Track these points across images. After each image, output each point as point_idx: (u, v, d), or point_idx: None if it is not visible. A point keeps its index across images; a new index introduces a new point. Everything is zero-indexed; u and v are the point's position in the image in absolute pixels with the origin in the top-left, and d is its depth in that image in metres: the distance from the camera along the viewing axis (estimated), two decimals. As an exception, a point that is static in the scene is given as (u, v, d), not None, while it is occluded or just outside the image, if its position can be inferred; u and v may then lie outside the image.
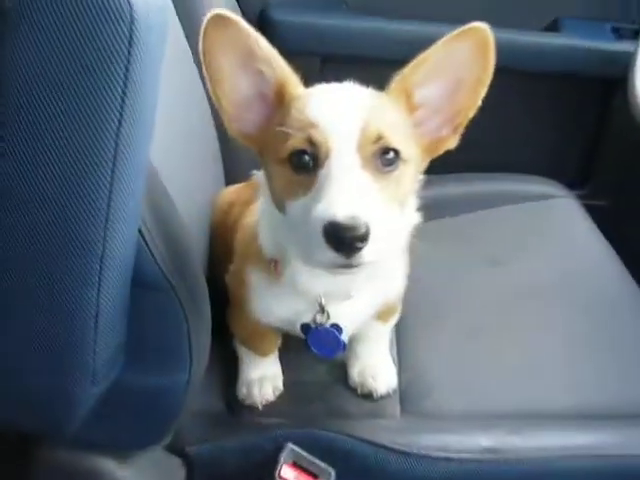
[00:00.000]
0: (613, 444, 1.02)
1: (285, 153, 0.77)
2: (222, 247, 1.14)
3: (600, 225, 1.57)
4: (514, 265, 1.39)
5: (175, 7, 1.24)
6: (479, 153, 1.77)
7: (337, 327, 0.98)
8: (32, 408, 0.84)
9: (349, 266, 0.73)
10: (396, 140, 0.78)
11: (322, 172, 0.75)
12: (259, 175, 0.90)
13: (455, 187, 1.62)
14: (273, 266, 0.92)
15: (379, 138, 0.76)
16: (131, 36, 0.59)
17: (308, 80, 1.67)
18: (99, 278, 0.69)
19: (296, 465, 0.96)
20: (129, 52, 0.60)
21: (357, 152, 0.75)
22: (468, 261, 1.41)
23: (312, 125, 0.76)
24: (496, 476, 0.96)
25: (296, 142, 0.76)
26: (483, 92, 0.82)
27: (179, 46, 1.23)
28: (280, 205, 0.82)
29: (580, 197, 1.80)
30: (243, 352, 1.14)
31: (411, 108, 0.84)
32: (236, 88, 0.82)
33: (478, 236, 1.49)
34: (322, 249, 0.72)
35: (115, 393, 0.85)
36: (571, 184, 1.81)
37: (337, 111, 0.77)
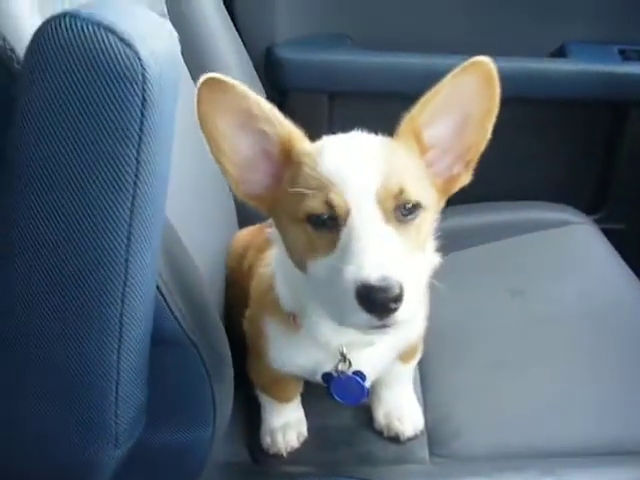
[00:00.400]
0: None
1: (302, 214, 0.76)
2: (239, 291, 1.13)
3: (619, 248, 1.54)
4: (534, 294, 1.37)
5: (183, 55, 1.24)
6: (493, 184, 1.76)
7: (360, 374, 0.96)
8: (53, 472, 0.82)
9: (383, 327, 0.72)
10: (416, 191, 0.77)
11: (345, 230, 0.74)
12: (272, 232, 0.89)
13: (470, 218, 1.60)
14: (292, 319, 0.91)
15: (400, 192, 0.75)
16: (144, 97, 0.59)
17: (317, 117, 1.69)
18: (119, 339, 0.68)
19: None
20: (142, 113, 0.59)
21: (378, 207, 0.74)
22: (488, 293, 1.39)
23: (329, 184, 0.74)
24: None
25: (314, 204, 0.74)
26: (491, 126, 0.82)
27: (188, 94, 1.22)
28: (300, 264, 0.80)
29: (597, 221, 1.78)
30: (265, 400, 1.12)
31: (422, 150, 0.83)
32: (237, 149, 0.80)
33: (496, 267, 1.47)
34: (355, 311, 0.70)
35: (139, 452, 0.83)
36: (588, 209, 1.80)
37: (353, 167, 0.75)
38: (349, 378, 0.95)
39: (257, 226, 1.25)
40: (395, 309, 0.70)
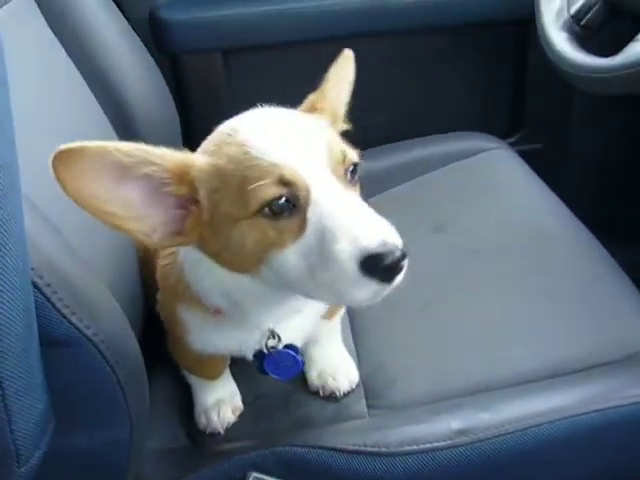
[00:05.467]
0: (593, 397, 0.97)
1: (255, 206, 0.69)
2: (152, 270, 1.07)
3: (540, 168, 1.53)
4: (457, 228, 1.35)
5: (59, 37, 1.16)
6: (403, 122, 1.74)
7: (292, 347, 0.93)
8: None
9: (386, 290, 0.69)
10: (350, 152, 0.75)
11: (311, 208, 0.69)
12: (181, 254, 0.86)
13: (388, 158, 1.56)
14: (212, 310, 0.86)
15: (344, 157, 0.73)
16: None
17: (213, 77, 1.62)
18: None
19: (265, 493, 0.91)
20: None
21: (333, 175, 0.70)
22: (410, 233, 1.33)
23: (275, 167, 0.68)
24: (473, 459, 0.91)
25: (267, 191, 0.68)
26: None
27: (64, 71, 1.14)
28: (248, 265, 0.74)
29: (515, 144, 1.77)
30: (193, 380, 1.08)
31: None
32: (128, 205, 0.71)
33: (416, 205, 1.45)
34: (362, 286, 0.67)
35: (55, 460, 0.77)
36: (504, 134, 1.79)
37: (295, 142, 0.71)
38: (281, 353, 0.92)
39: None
40: (403, 267, 0.68)
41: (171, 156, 0.72)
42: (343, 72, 0.89)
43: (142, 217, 0.72)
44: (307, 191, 0.69)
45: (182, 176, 0.72)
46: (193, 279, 0.86)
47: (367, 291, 0.68)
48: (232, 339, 0.93)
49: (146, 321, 1.10)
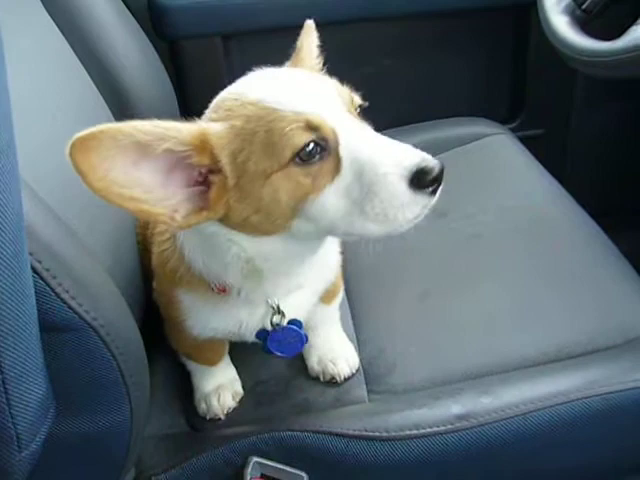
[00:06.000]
0: (594, 382, 0.97)
1: (287, 156, 0.70)
2: (149, 260, 1.07)
3: (542, 153, 1.53)
4: (457, 213, 1.35)
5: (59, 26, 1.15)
6: (405, 107, 1.72)
7: (295, 322, 0.93)
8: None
9: (432, 203, 0.74)
10: (354, 94, 0.79)
11: (342, 147, 0.72)
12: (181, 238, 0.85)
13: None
14: (215, 288, 0.86)
15: (352, 98, 0.77)
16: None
17: (214, 62, 1.61)
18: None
19: (266, 477, 0.91)
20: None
21: (352, 116, 0.75)
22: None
23: (298, 116, 0.70)
24: (474, 443, 0.92)
25: (297, 139, 0.70)
26: None
27: (62, 54, 1.14)
28: (283, 220, 0.75)
29: (517, 129, 1.76)
30: (192, 366, 1.08)
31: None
32: (150, 186, 0.70)
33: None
34: (412, 204, 0.71)
35: (56, 446, 0.77)
36: (505, 119, 1.78)
37: (311, 90, 0.74)
38: (286, 329, 0.93)
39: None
40: (443, 178, 0.72)
41: (187, 128, 0.72)
42: (311, 40, 0.91)
43: (165, 197, 0.71)
44: (334, 133, 0.71)
45: (202, 145, 0.72)
46: (200, 260, 0.84)
47: (416, 208, 0.71)
48: (233, 319, 0.92)
49: (145, 307, 1.10)
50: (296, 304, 0.93)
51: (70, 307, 0.70)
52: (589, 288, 1.14)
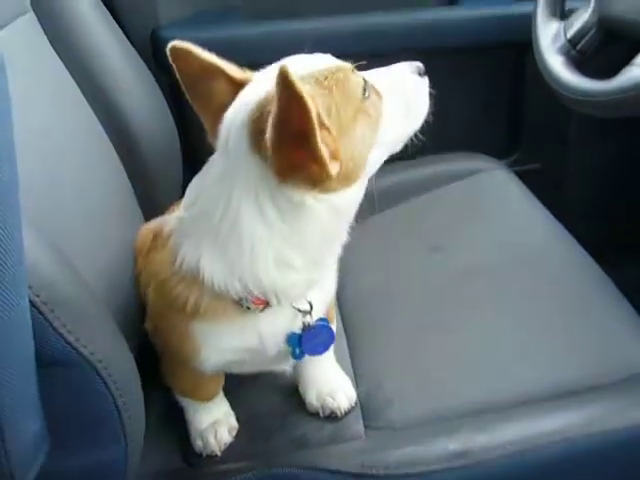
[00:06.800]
0: (592, 419, 0.97)
1: (360, 93, 0.83)
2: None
3: (539, 188, 1.54)
4: (454, 248, 1.35)
5: (58, 52, 1.17)
6: (408, 141, 1.73)
7: (322, 319, 0.95)
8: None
9: None
10: None
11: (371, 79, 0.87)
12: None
13: (386, 179, 1.56)
14: (251, 301, 0.84)
15: None
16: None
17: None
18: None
19: (262, 514, 0.90)
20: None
21: None
22: (408, 253, 1.37)
23: (348, 66, 0.85)
24: (472, 482, 0.91)
25: (358, 78, 0.84)
26: None
27: (70, 95, 1.15)
28: (369, 150, 0.84)
29: (514, 164, 1.78)
30: (187, 402, 1.06)
31: None
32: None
33: (414, 225, 1.45)
34: (424, 83, 0.95)
35: (50, 480, 0.77)
36: (502, 154, 1.79)
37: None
38: (318, 327, 0.93)
39: (161, 219, 1.18)
40: None
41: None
42: None
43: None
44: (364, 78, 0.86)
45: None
46: (237, 270, 0.81)
47: (426, 87, 0.95)
48: (253, 336, 0.89)
49: (141, 340, 1.09)
50: (318, 301, 0.93)
51: (67, 342, 0.70)
52: (587, 324, 1.14)
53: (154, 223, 1.19)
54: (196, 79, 0.88)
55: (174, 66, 0.86)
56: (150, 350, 1.04)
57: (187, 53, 0.86)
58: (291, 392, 1.09)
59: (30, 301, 0.65)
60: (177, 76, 0.88)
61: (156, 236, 1.05)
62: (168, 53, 0.86)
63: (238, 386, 1.09)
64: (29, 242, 0.65)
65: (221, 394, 1.09)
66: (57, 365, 0.71)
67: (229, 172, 0.80)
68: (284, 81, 0.67)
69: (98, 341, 0.74)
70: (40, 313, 0.67)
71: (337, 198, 0.80)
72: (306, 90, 0.68)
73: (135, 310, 1.09)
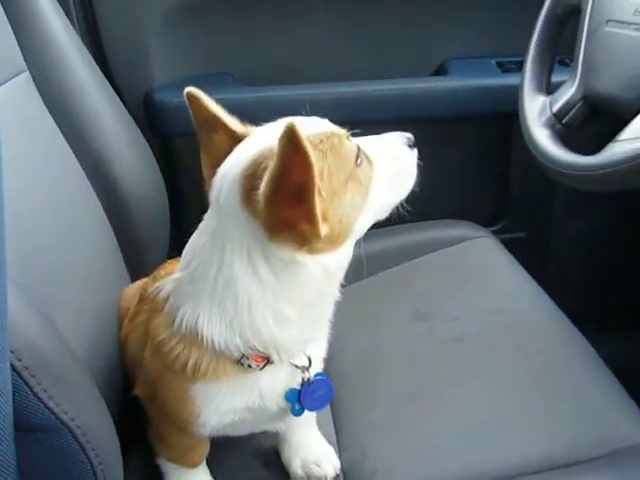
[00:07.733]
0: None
1: (352, 160, 0.85)
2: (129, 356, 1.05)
3: (524, 256, 1.55)
4: (439, 316, 1.35)
5: (51, 111, 1.18)
6: (395, 208, 1.75)
7: (320, 374, 0.95)
8: None
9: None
10: None
11: (367, 150, 0.89)
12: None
13: (372, 245, 1.55)
14: (254, 359, 0.84)
15: None
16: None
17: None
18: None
19: None
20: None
21: None
22: (393, 320, 1.36)
23: (344, 133, 0.87)
24: None
25: (352, 145, 0.86)
26: None
27: (59, 151, 1.16)
28: (357, 215, 0.85)
29: (499, 232, 1.80)
30: (171, 469, 1.04)
31: None
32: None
33: (399, 292, 1.45)
34: (413, 155, 0.97)
35: None
36: (488, 222, 1.81)
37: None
38: (317, 382, 0.93)
39: (144, 280, 1.17)
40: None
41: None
42: None
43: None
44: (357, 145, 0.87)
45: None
46: (237, 328, 0.81)
47: (414, 158, 0.96)
48: (253, 394, 0.88)
49: (122, 404, 1.08)
50: (313, 357, 0.93)
51: (47, 407, 0.69)
52: (570, 396, 1.13)
53: (138, 284, 1.19)
54: (202, 127, 0.91)
55: (190, 110, 0.91)
56: (132, 412, 1.02)
57: (197, 100, 0.90)
58: (273, 458, 1.07)
59: (11, 365, 0.65)
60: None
61: (142, 298, 1.05)
62: (185, 97, 0.90)
63: (219, 452, 1.07)
64: (13, 306, 0.64)
65: (204, 461, 1.06)
66: (36, 430, 0.70)
67: (221, 228, 0.81)
68: (290, 136, 0.68)
69: (78, 407, 0.73)
70: (21, 377, 0.66)
71: (324, 259, 0.81)
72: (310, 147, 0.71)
73: (118, 372, 1.08)
